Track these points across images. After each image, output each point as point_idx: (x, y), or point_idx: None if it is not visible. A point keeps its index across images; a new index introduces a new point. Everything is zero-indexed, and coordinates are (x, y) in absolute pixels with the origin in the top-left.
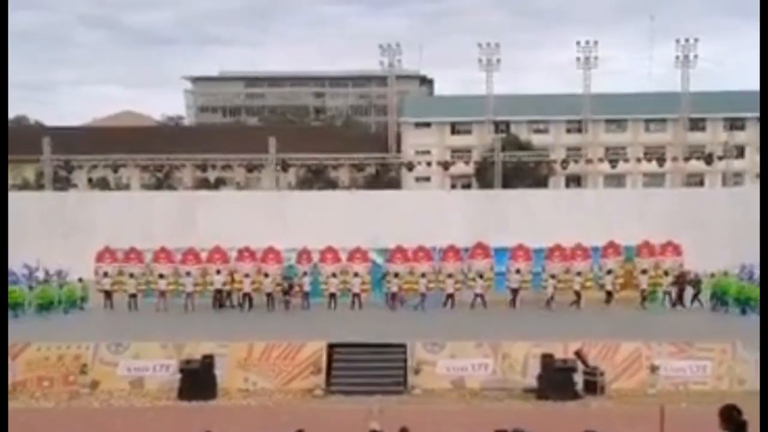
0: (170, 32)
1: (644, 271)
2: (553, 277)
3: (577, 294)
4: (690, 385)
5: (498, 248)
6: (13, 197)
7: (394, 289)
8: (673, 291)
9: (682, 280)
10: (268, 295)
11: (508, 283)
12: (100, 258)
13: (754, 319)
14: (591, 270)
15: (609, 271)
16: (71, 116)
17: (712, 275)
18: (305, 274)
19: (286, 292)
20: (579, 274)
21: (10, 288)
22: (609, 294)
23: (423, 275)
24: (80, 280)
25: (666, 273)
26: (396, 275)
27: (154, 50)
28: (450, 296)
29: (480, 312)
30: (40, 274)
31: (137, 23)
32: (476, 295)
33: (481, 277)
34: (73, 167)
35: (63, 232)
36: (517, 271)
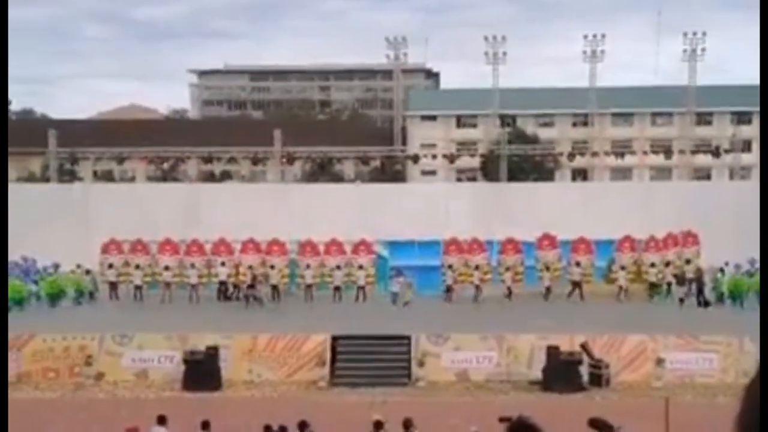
0: (176, 26)
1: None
2: (623, 268)
3: (653, 285)
4: (696, 378)
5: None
6: (19, 189)
7: (450, 281)
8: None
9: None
10: (273, 287)
11: (570, 276)
12: (105, 250)
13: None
14: (663, 261)
15: (667, 263)
16: (77, 109)
17: (722, 270)
18: (308, 266)
19: (251, 286)
20: (653, 265)
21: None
22: (669, 285)
23: (477, 267)
24: (87, 272)
25: (688, 261)
26: (450, 267)
27: (160, 44)
28: (508, 288)
29: (547, 304)
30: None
31: (143, 17)
32: (547, 288)
33: (547, 269)
34: (78, 160)
35: (68, 224)
36: (577, 264)
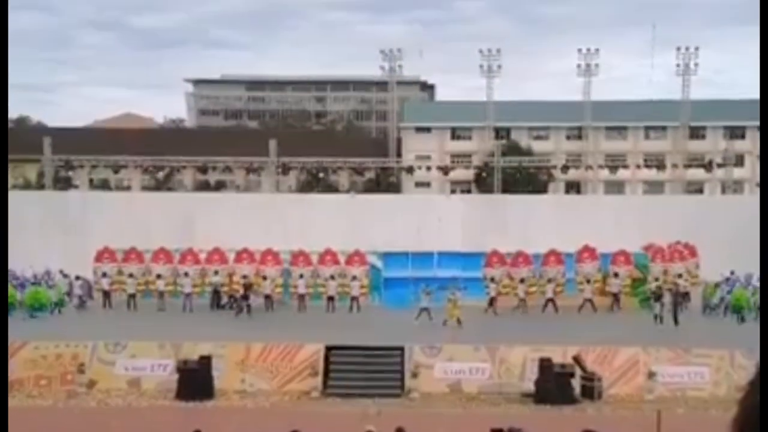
0: (173, 35)
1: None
2: (656, 279)
3: (684, 295)
4: (687, 391)
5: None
6: (14, 196)
7: (493, 293)
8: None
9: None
10: (267, 297)
11: (609, 287)
12: (99, 258)
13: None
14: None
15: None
16: (73, 117)
17: (717, 285)
18: (301, 276)
19: (244, 296)
20: (680, 276)
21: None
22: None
23: (522, 280)
24: (77, 278)
25: (680, 276)
26: (492, 279)
27: (157, 53)
28: (550, 300)
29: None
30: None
31: (140, 26)
32: (588, 300)
33: (588, 281)
34: (74, 168)
35: (63, 231)
36: (616, 275)
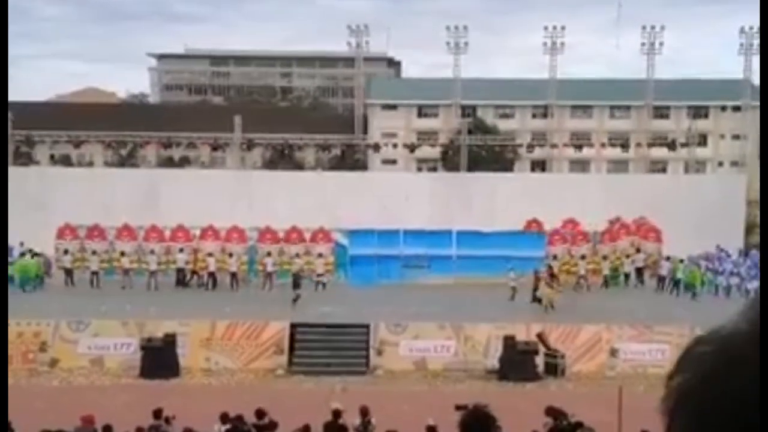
0: (136, 8)
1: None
2: (667, 258)
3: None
4: (648, 368)
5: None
6: None
7: (555, 271)
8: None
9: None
10: (233, 274)
11: (634, 263)
12: (60, 235)
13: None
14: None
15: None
16: (34, 91)
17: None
18: (268, 254)
19: (296, 285)
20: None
21: None
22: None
23: (582, 257)
24: (38, 254)
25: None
26: (555, 257)
27: (119, 26)
28: (605, 277)
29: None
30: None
31: None
32: (638, 268)
33: (627, 257)
34: (35, 143)
35: (24, 208)
36: (638, 251)
